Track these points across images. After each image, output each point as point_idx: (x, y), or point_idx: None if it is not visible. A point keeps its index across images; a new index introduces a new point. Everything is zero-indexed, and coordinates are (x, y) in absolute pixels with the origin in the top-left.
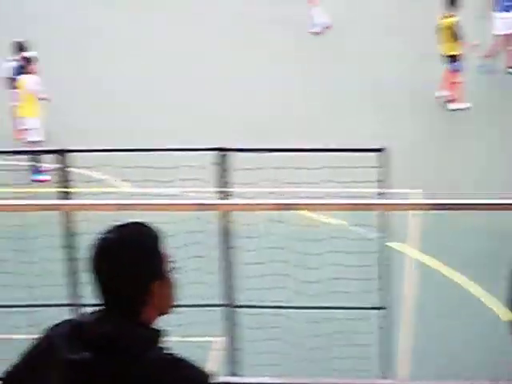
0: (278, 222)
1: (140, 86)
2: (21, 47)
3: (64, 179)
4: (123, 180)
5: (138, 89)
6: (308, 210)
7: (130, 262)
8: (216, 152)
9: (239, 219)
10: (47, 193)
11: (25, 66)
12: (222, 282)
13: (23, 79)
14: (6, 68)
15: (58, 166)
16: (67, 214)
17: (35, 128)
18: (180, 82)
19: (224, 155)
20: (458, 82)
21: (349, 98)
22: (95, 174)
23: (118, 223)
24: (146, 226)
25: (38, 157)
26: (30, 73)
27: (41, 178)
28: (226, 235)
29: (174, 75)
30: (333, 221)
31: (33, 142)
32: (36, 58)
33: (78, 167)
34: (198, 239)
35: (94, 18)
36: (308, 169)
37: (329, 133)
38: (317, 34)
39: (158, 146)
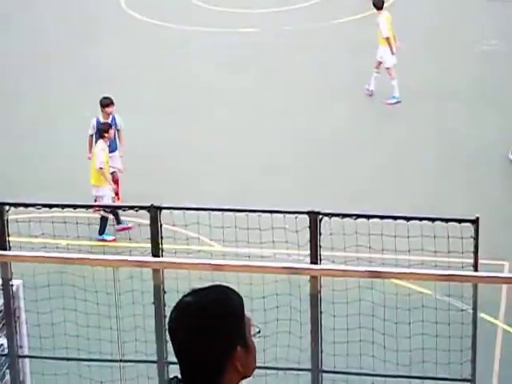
0: (367, 289)
1: (236, 146)
2: (105, 104)
3: (156, 236)
4: (215, 239)
5: (234, 150)
6: (399, 278)
7: (212, 327)
8: (309, 215)
9: (329, 284)
10: (139, 248)
11: (101, 130)
12: (310, 346)
13: (97, 144)
14: (92, 126)
15: (150, 222)
16: (158, 270)
17: (104, 196)
18: (277, 143)
19: (316, 219)
20: None
21: (438, 165)
22: (187, 232)
23: (200, 287)
24: (228, 290)
25: (106, 218)
26: (103, 138)
27: (106, 238)
28: (315, 299)
29: (273, 136)
30: (422, 289)
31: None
32: (109, 124)
33: (171, 224)
34: (287, 302)
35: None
36: (399, 236)
37: (417, 200)
38: (390, 104)
39: (251, 206)
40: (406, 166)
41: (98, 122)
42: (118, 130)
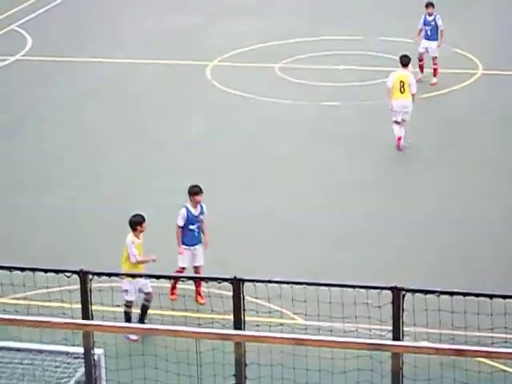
0: (450, 366)
1: (317, 218)
2: (194, 192)
3: (238, 308)
4: (297, 313)
5: (315, 222)
6: (484, 357)
7: None
8: (392, 291)
9: (411, 360)
10: (221, 320)
11: (132, 222)
12: None
13: (127, 238)
14: (182, 216)
15: (232, 294)
16: (240, 343)
17: (127, 289)
18: (358, 215)
19: (399, 294)
20: None
21: None
22: (269, 305)
23: None
24: None
25: (128, 313)
26: (135, 231)
27: (133, 337)
28: (397, 376)
29: (354, 208)
30: (506, 368)
31: (127, 301)
32: (142, 217)
33: (253, 297)
34: (369, 378)
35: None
36: (482, 313)
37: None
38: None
39: (332, 280)
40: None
41: (188, 212)
42: (202, 220)
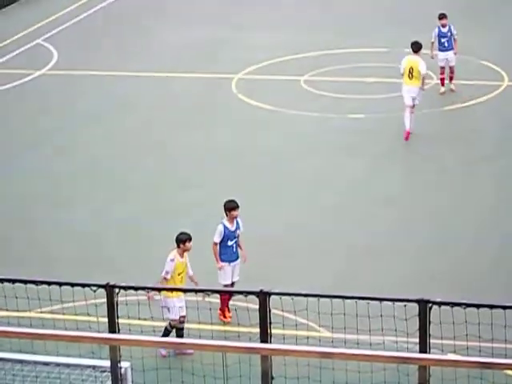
0: (477, 378)
1: (342, 230)
2: (230, 208)
3: (264, 321)
4: (323, 325)
5: (340, 234)
6: (511, 369)
7: None
8: (418, 303)
9: (438, 373)
10: (248, 333)
11: (177, 240)
12: None
13: (170, 253)
14: (219, 232)
15: (258, 307)
16: (266, 356)
17: (169, 308)
18: (382, 228)
19: (426, 307)
20: None
21: None
22: (296, 317)
23: None
24: None
25: (168, 331)
26: (179, 248)
27: (163, 352)
28: None
29: (378, 222)
30: None
31: (171, 319)
32: (186, 236)
33: (280, 310)
34: None
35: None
36: (509, 326)
37: None
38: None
39: (359, 293)
40: None
41: (226, 228)
42: (238, 235)
